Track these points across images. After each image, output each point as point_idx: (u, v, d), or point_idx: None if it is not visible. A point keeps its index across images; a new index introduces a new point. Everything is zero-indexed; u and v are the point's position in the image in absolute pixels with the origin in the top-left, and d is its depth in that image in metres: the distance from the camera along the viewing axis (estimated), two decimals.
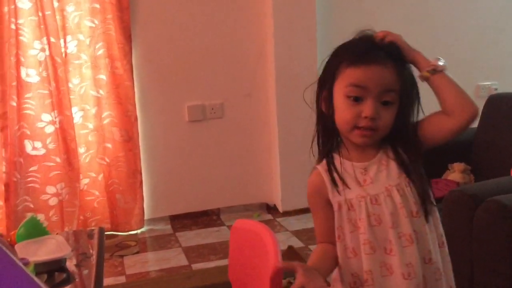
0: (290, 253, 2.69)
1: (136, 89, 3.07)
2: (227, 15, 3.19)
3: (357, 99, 1.05)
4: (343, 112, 1.07)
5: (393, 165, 1.10)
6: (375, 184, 1.09)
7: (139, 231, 3.15)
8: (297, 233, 2.99)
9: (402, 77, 1.06)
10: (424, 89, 1.12)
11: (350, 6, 3.33)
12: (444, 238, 1.12)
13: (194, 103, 3.22)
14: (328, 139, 1.14)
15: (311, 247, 2.77)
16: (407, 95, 1.08)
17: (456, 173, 2.32)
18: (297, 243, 2.85)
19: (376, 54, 1.05)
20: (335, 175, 1.11)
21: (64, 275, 1.31)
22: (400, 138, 1.10)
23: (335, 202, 1.11)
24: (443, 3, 3.51)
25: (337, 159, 1.12)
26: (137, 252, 2.87)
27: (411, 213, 1.08)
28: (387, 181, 1.09)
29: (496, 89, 3.60)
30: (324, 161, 1.14)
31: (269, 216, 3.32)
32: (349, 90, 1.06)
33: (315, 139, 1.17)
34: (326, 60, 1.13)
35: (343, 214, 1.10)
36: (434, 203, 1.12)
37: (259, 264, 1.24)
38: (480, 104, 2.78)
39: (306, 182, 3.54)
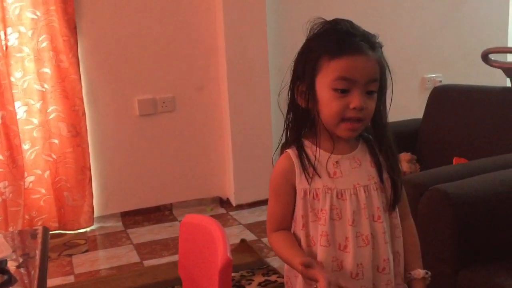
0: (242, 247, 2.70)
1: (83, 83, 2.98)
2: (178, 6, 3.14)
3: (343, 91, 1.04)
4: (329, 104, 1.05)
5: (366, 165, 1.11)
6: (344, 179, 1.09)
7: (88, 229, 3.07)
8: (250, 226, 3.00)
9: (381, 65, 1.07)
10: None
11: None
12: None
13: (145, 96, 3.16)
14: (299, 128, 1.13)
15: (264, 239, 2.78)
16: (383, 83, 1.09)
17: (403, 163, 2.38)
18: (250, 236, 2.85)
19: (357, 44, 1.04)
20: (306, 161, 1.10)
21: (5, 277, 1.25)
22: (375, 129, 1.11)
23: (301, 189, 1.09)
24: None
25: (310, 147, 1.11)
26: (86, 251, 2.80)
27: (372, 216, 1.09)
28: (357, 180, 1.10)
29: (440, 81, 3.72)
30: (294, 147, 1.12)
31: (222, 210, 3.31)
32: (336, 83, 1.04)
33: (286, 128, 1.15)
34: (300, 52, 1.10)
35: (307, 202, 1.09)
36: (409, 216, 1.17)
37: (209, 258, 1.23)
38: (426, 96, 2.88)
39: (259, 175, 3.56)
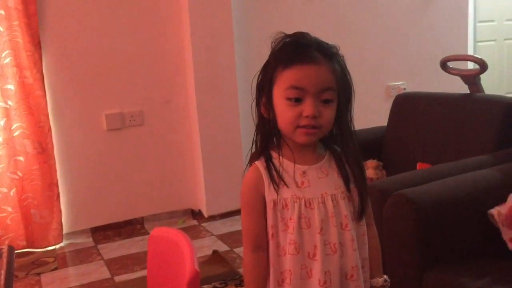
0: (215, 258, 2.70)
1: (48, 99, 2.94)
2: (143, 19, 3.14)
3: (297, 100, 1.07)
4: (284, 114, 1.08)
5: (333, 176, 1.13)
6: (312, 189, 1.11)
7: (57, 246, 3.01)
8: (223, 237, 3.00)
9: (336, 74, 1.08)
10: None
11: (265, 8, 3.39)
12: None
13: (112, 111, 3.14)
14: (266, 139, 1.15)
15: (236, 250, 2.79)
16: (344, 94, 1.11)
17: (369, 169, 2.43)
18: (222, 247, 2.85)
19: (309, 53, 1.06)
20: (273, 172, 1.11)
21: None
22: (339, 140, 1.13)
23: (270, 200, 1.11)
24: (354, 7, 3.67)
25: (276, 158, 1.13)
26: (56, 269, 2.75)
27: (340, 224, 1.11)
28: (324, 189, 1.12)
29: (404, 89, 3.80)
30: (263, 158, 1.14)
31: (194, 222, 3.30)
32: (288, 92, 1.07)
33: (254, 140, 1.16)
34: (263, 66, 1.13)
35: (277, 213, 1.11)
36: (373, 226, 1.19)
37: (177, 271, 1.23)
38: (390, 103, 2.95)
39: (230, 185, 3.56)
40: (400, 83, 3.89)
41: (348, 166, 1.14)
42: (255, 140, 1.17)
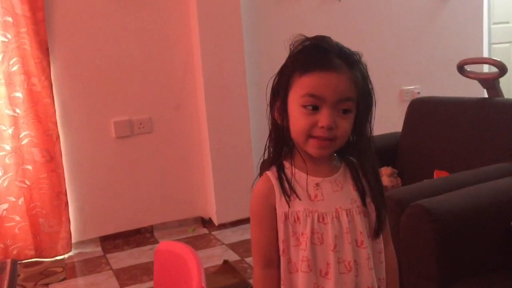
0: (225, 268, 2.63)
1: (56, 106, 2.91)
2: (152, 25, 3.11)
3: (314, 109, 1.01)
4: (298, 121, 1.02)
5: (348, 189, 1.07)
6: (326, 202, 1.04)
7: (66, 255, 2.98)
8: (233, 246, 2.94)
9: (358, 84, 1.01)
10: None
11: (276, 13, 3.34)
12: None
13: (121, 118, 3.10)
14: (279, 147, 1.09)
15: (247, 259, 2.72)
16: (364, 104, 1.04)
17: (384, 177, 2.36)
18: (233, 257, 2.79)
19: (329, 60, 1.00)
20: (285, 183, 1.05)
21: None
22: (356, 152, 1.07)
23: (281, 212, 1.04)
24: (367, 10, 3.61)
25: (289, 168, 1.07)
26: (64, 279, 2.70)
27: (355, 241, 1.05)
28: (339, 203, 1.05)
29: (418, 93, 3.73)
30: (274, 168, 1.08)
31: (204, 230, 3.25)
32: (305, 100, 1.00)
33: (267, 147, 1.10)
34: (279, 70, 1.07)
35: (288, 226, 1.04)
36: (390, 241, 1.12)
37: (183, 287, 1.18)
38: (404, 108, 2.87)
39: (240, 193, 3.51)
40: (414, 87, 3.81)
41: (364, 179, 1.08)
42: (268, 147, 1.10)
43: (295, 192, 1.05)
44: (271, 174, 1.08)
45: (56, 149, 2.89)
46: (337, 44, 1.04)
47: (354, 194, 1.07)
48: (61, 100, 2.97)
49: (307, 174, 1.06)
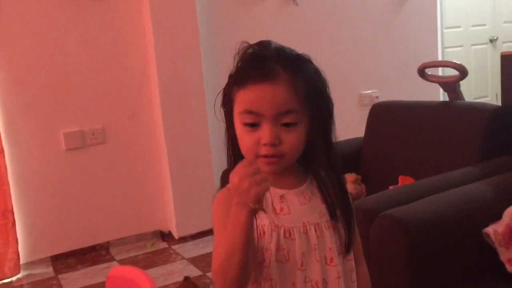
0: (186, 285, 2.50)
1: (0, 117, 2.72)
2: (103, 30, 2.95)
3: (253, 125, 0.92)
4: (243, 140, 0.94)
5: (316, 202, 0.98)
6: (292, 216, 0.95)
7: (14, 278, 2.77)
8: (194, 261, 2.81)
9: (302, 91, 0.91)
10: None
11: (232, 18, 3.25)
12: None
13: (71, 129, 2.93)
14: (239, 159, 0.98)
15: (209, 274, 2.61)
16: (317, 111, 0.94)
17: (348, 184, 2.30)
18: (194, 272, 2.67)
19: (265, 69, 0.90)
20: None
21: None
22: (320, 162, 0.98)
23: None
24: (324, 14, 3.57)
25: None
26: None
27: (324, 259, 0.96)
28: (306, 217, 0.96)
29: (377, 97, 3.73)
30: None
31: (164, 244, 3.11)
32: (243, 117, 0.92)
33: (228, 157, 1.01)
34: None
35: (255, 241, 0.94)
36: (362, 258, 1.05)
37: None
38: (364, 112, 2.83)
39: (201, 204, 3.38)
40: (372, 91, 3.81)
41: (332, 191, 0.99)
42: (229, 157, 1.01)
43: None
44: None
45: (1, 163, 2.70)
46: (278, 48, 0.95)
47: (322, 207, 0.98)
48: (5, 110, 2.77)
49: (272, 186, 0.97)
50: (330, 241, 0.97)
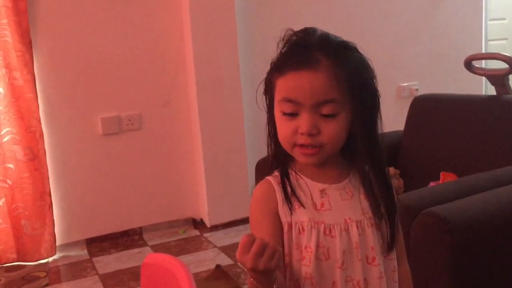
0: (218, 273, 2.51)
1: (40, 102, 2.76)
2: (142, 18, 2.95)
3: (292, 114, 0.89)
4: (281, 128, 0.92)
5: (359, 198, 0.94)
6: (333, 212, 0.92)
7: (50, 259, 2.83)
8: (226, 249, 2.81)
9: (344, 80, 0.87)
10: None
11: (270, 7, 3.20)
12: None
13: (108, 114, 2.95)
14: (280, 149, 0.96)
15: (241, 264, 2.59)
16: (361, 99, 0.89)
17: None
18: (225, 261, 2.66)
19: (305, 55, 0.87)
20: (288, 189, 0.93)
21: None
22: (363, 156, 0.93)
23: (285, 221, 0.92)
24: (364, 3, 3.49)
25: (291, 173, 0.95)
26: (47, 285, 2.56)
27: (366, 258, 0.92)
28: (348, 214, 0.92)
29: (417, 89, 3.64)
30: (277, 173, 0.96)
31: (196, 232, 3.11)
32: (282, 105, 0.89)
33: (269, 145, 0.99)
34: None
35: (291, 238, 0.92)
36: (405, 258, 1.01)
37: None
38: (402, 105, 2.76)
39: (234, 193, 3.39)
40: (412, 83, 3.70)
41: (376, 187, 0.95)
42: (269, 145, 0.98)
43: (298, 199, 0.92)
44: (272, 178, 0.96)
45: (40, 147, 2.74)
46: (322, 35, 0.90)
47: (366, 204, 0.94)
48: (45, 95, 2.81)
49: (311, 179, 0.94)
50: (373, 239, 0.93)
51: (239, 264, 2.60)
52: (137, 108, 3.01)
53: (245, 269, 0.82)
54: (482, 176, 1.68)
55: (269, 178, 0.96)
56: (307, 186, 0.94)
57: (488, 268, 1.35)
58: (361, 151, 0.93)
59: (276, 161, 0.98)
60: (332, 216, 0.92)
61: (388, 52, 3.57)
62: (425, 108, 2.29)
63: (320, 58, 0.86)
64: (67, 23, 2.82)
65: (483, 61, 3.60)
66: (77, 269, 2.71)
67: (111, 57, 2.92)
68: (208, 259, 2.71)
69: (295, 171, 0.95)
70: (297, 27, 0.96)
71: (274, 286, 0.83)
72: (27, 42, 2.67)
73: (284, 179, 0.95)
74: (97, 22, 2.87)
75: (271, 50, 0.97)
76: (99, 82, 2.91)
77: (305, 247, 0.91)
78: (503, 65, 2.08)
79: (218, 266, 2.57)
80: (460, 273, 1.32)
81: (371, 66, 0.94)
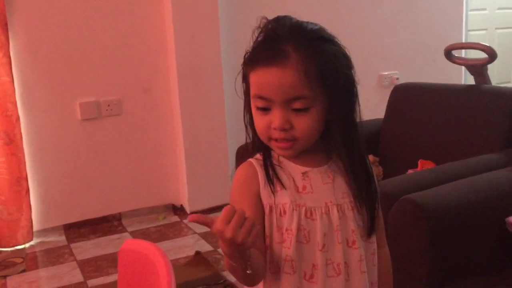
0: (197, 259, 2.51)
1: (16, 85, 2.70)
2: (122, 3, 2.90)
3: (265, 109, 0.89)
4: (256, 122, 0.92)
5: (340, 182, 0.94)
6: (315, 195, 0.92)
7: (27, 245, 2.79)
8: (206, 236, 2.81)
9: (314, 75, 0.85)
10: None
11: None
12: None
13: (87, 99, 2.91)
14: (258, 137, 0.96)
15: (220, 250, 2.60)
16: (336, 91, 0.88)
17: None
18: (205, 247, 2.67)
19: (274, 49, 0.85)
20: (270, 171, 0.93)
21: None
22: (341, 144, 0.92)
23: (267, 204, 0.92)
24: None
25: (273, 155, 0.96)
26: (23, 271, 2.52)
27: (346, 241, 0.93)
28: (329, 197, 0.93)
29: (397, 79, 3.66)
30: (259, 155, 0.96)
31: (175, 218, 3.11)
32: (255, 100, 0.90)
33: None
34: None
35: (273, 220, 0.92)
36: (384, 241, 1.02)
37: None
38: (383, 93, 2.77)
39: (214, 179, 3.37)
40: (393, 72, 3.72)
41: (357, 173, 0.95)
42: (247, 133, 0.98)
43: (280, 182, 0.93)
44: (254, 161, 0.96)
45: (16, 131, 2.69)
46: (294, 26, 0.88)
47: (346, 188, 0.95)
48: (22, 79, 2.75)
49: (295, 163, 0.94)
50: (353, 222, 0.93)
51: (218, 250, 2.60)
52: (116, 94, 2.97)
53: (220, 247, 0.82)
54: (459, 164, 1.70)
55: (251, 160, 0.96)
56: (289, 168, 0.94)
57: (463, 254, 1.38)
58: (338, 139, 0.92)
59: (258, 145, 0.98)
60: (314, 199, 0.92)
61: (370, 41, 3.58)
62: (405, 97, 2.31)
63: (290, 52, 0.85)
64: (45, 5, 2.76)
65: (463, 51, 3.65)
66: (54, 255, 2.69)
67: (91, 40, 2.87)
68: (187, 245, 2.71)
69: (277, 154, 0.96)
70: (281, 14, 0.94)
71: (248, 263, 0.82)
72: (2, 23, 2.61)
73: (267, 161, 0.95)
74: (76, 4, 2.81)
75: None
76: (78, 66, 2.86)
77: (286, 230, 0.91)
78: (482, 55, 2.10)
79: (197, 253, 2.57)
80: (436, 258, 1.35)
81: (348, 56, 0.92)
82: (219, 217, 0.78)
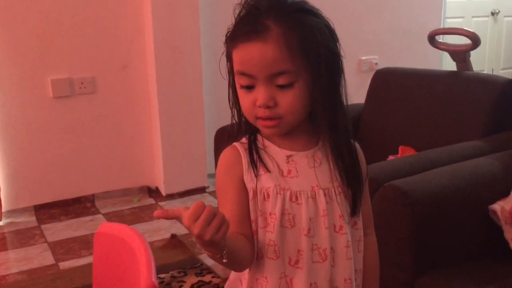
0: (173, 243, 2.47)
1: None
2: None
3: (249, 87, 0.86)
4: (241, 101, 0.89)
5: (328, 166, 0.91)
6: (300, 179, 0.89)
7: None
8: None
9: (297, 49, 0.82)
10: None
11: None
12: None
13: (60, 76, 2.80)
14: (244, 117, 0.93)
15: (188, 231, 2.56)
16: (318, 65, 0.84)
17: None
18: (181, 230, 2.62)
19: (254, 23, 0.82)
20: (255, 155, 0.90)
21: None
22: (326, 125, 0.89)
23: (250, 188, 0.89)
24: None
25: (259, 139, 0.92)
26: None
27: (333, 226, 0.90)
28: (315, 181, 0.90)
29: (376, 63, 3.65)
30: (245, 139, 0.93)
31: (151, 200, 3.05)
32: (238, 78, 0.87)
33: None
34: None
35: (257, 205, 0.89)
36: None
37: (129, 280, 1.00)
38: (363, 78, 2.74)
39: (190, 162, 3.31)
40: (372, 57, 3.72)
41: (344, 155, 0.92)
42: (233, 114, 0.94)
43: (264, 165, 0.89)
44: (239, 144, 0.93)
45: None
46: None
47: (334, 172, 0.91)
48: None
49: (281, 147, 0.91)
50: (340, 208, 0.91)
51: None
52: (90, 71, 2.87)
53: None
54: (441, 151, 1.69)
55: (235, 144, 0.93)
56: (274, 153, 0.91)
57: (447, 240, 1.37)
58: (323, 117, 0.89)
59: (244, 127, 0.94)
60: (299, 183, 0.89)
61: (349, 25, 3.55)
62: (386, 82, 2.29)
63: (270, 25, 0.82)
64: None
65: (442, 36, 3.66)
66: (24, 237, 2.60)
67: (64, 14, 2.75)
68: (163, 228, 2.66)
69: (262, 137, 0.93)
70: None
71: (224, 253, 0.79)
72: None
73: (251, 145, 0.92)
74: None
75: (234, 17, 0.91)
76: (50, 41, 2.75)
77: (270, 214, 0.88)
78: (463, 42, 2.09)
79: (173, 236, 2.53)
80: (420, 245, 1.34)
81: (332, 29, 0.89)
82: (188, 212, 0.74)
